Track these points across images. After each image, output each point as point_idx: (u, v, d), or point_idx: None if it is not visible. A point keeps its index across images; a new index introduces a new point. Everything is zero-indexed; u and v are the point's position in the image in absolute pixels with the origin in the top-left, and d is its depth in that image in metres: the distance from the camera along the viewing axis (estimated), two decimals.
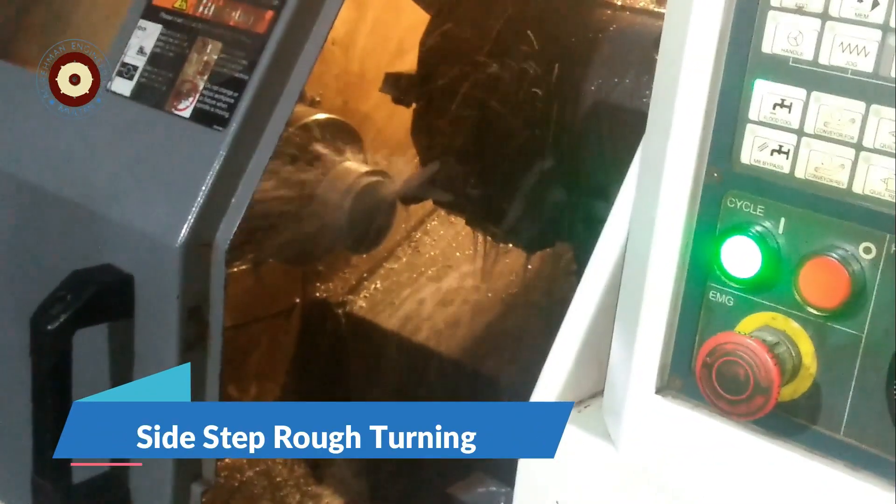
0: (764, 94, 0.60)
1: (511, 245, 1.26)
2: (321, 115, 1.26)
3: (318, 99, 1.37)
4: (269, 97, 0.98)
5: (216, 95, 0.98)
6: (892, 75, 0.56)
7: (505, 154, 1.16)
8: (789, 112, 0.59)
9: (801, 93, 0.59)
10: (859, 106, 0.57)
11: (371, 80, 1.35)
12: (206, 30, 1.03)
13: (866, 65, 0.56)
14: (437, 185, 1.23)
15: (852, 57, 0.57)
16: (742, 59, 0.60)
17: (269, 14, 0.98)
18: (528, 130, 1.14)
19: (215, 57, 1.01)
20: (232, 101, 0.97)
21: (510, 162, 1.16)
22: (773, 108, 0.60)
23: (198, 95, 0.99)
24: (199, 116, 0.98)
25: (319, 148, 1.24)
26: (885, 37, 0.56)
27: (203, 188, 0.94)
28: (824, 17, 0.57)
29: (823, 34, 0.58)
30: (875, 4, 0.56)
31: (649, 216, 0.64)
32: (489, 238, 1.26)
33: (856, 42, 0.57)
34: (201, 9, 1.04)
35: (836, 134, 0.58)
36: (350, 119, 1.31)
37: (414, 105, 1.23)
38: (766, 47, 0.60)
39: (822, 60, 0.58)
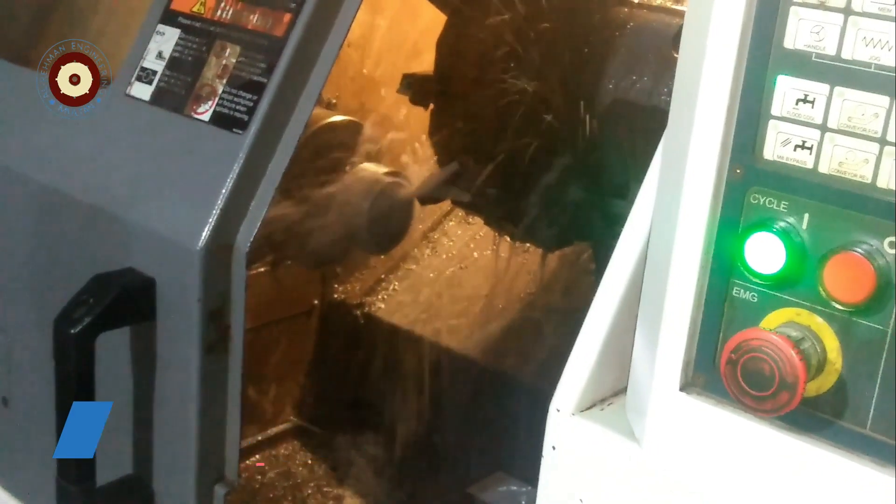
0: (787, 90, 0.60)
1: (529, 244, 1.26)
2: (338, 118, 1.27)
3: (334, 101, 1.38)
4: (287, 100, 0.98)
5: (235, 99, 0.99)
6: None
7: (522, 153, 1.16)
8: (812, 107, 0.59)
9: (824, 88, 0.59)
10: (883, 100, 0.57)
11: (387, 81, 1.36)
12: (225, 33, 1.03)
13: (890, 59, 0.56)
14: (455, 186, 1.23)
15: (875, 51, 0.57)
16: (764, 55, 0.60)
17: (287, 17, 0.99)
18: (545, 129, 1.14)
19: (234, 60, 1.01)
20: (251, 104, 0.98)
21: (528, 161, 1.16)
22: (796, 103, 0.60)
23: (217, 99, 1.00)
24: (219, 120, 0.99)
25: (337, 150, 1.24)
26: None
27: (223, 191, 0.95)
28: (847, 11, 0.57)
29: (846, 29, 0.58)
30: None
31: (672, 213, 0.64)
32: (507, 237, 1.26)
33: (879, 36, 0.57)
34: (219, 12, 1.05)
35: (859, 129, 0.57)
36: (367, 120, 1.31)
37: (431, 106, 1.23)
38: (789, 43, 0.59)
39: (846, 55, 0.58)
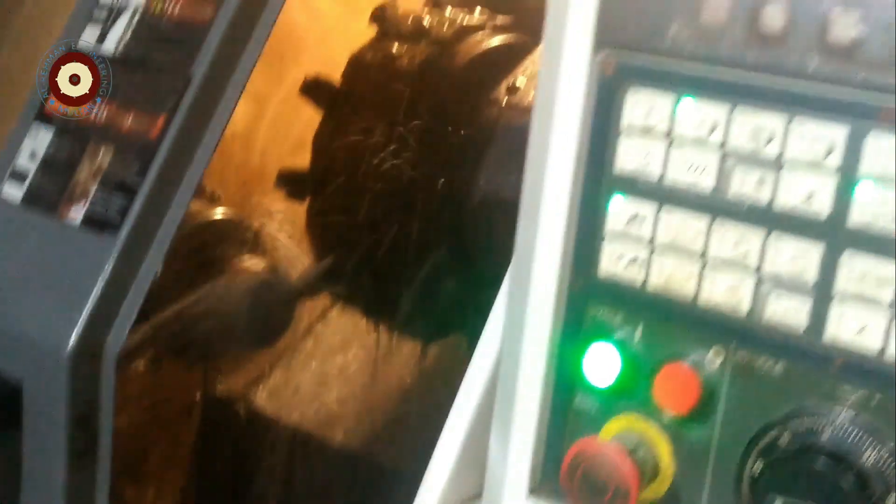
0: (619, 210, 0.64)
1: (407, 336, 1.28)
2: (219, 212, 1.28)
3: (218, 194, 1.39)
4: (161, 201, 0.99)
5: (108, 200, 0.99)
6: (732, 192, 0.60)
7: (398, 246, 1.19)
8: (641, 227, 0.63)
9: (651, 209, 0.63)
10: (703, 221, 0.61)
11: (271, 173, 1.38)
12: (99, 135, 1.04)
13: (708, 183, 0.61)
14: (333, 279, 1.25)
15: (695, 175, 0.61)
16: (598, 177, 0.64)
17: (162, 119, 1.00)
18: (420, 223, 1.18)
19: (107, 162, 1.02)
20: (123, 205, 0.98)
21: (403, 253, 1.19)
22: (628, 222, 0.64)
23: (89, 201, 1.00)
24: (91, 221, 0.99)
25: (217, 246, 1.25)
26: (723, 159, 0.60)
27: (93, 293, 0.95)
28: (669, 139, 0.62)
29: (669, 155, 0.62)
30: (713, 129, 0.61)
31: (519, 323, 0.68)
32: (385, 329, 1.28)
33: (698, 161, 0.61)
34: (94, 114, 1.06)
35: (683, 247, 0.62)
36: (251, 213, 1.33)
37: (308, 200, 1.26)
38: (619, 166, 0.64)
39: (669, 179, 0.62)
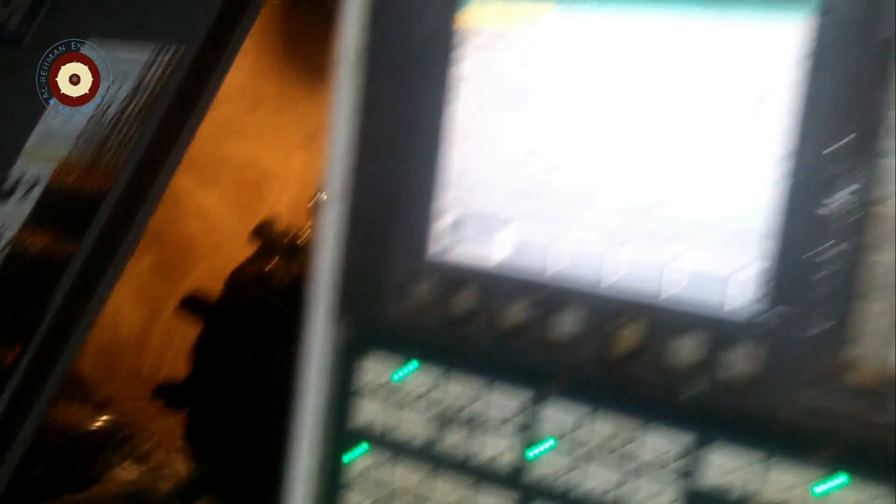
0: (357, 461, 0.70)
1: None
2: (101, 420, 1.34)
3: (109, 399, 1.45)
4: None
5: None
6: (446, 446, 0.67)
7: (275, 449, 1.24)
8: (378, 474, 0.69)
9: (385, 458, 0.69)
10: (426, 470, 0.67)
11: (164, 377, 1.44)
12: None
13: (427, 437, 0.68)
14: (210, 487, 1.30)
15: (418, 431, 0.68)
16: (339, 431, 0.71)
17: (17, 349, 1.07)
18: None
19: None
20: None
21: (280, 461, 1.23)
22: (363, 471, 0.70)
23: None
24: None
25: (98, 453, 1.30)
26: (439, 417, 0.67)
27: None
28: (396, 398, 0.69)
29: (398, 412, 0.69)
30: (431, 390, 0.67)
31: None
32: None
33: (420, 420, 0.68)
34: None
35: (413, 494, 0.68)
36: (135, 419, 1.38)
37: (186, 409, 1.31)
38: (356, 422, 0.70)
39: (398, 433, 0.69)
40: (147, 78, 0.99)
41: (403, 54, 0.64)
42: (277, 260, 1.35)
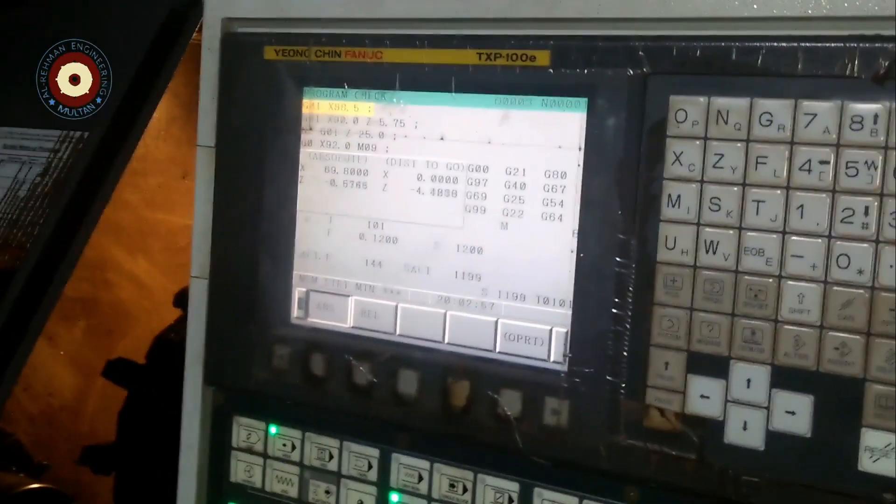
0: None
1: None
2: (35, 486, 1.37)
3: (45, 463, 1.48)
4: None
5: None
6: (311, 500, 0.72)
7: None
8: None
9: None
10: None
11: (101, 440, 1.48)
12: None
13: (294, 492, 0.73)
14: None
15: (285, 486, 0.74)
16: (218, 486, 0.77)
17: None
18: None
19: None
20: None
21: None
22: None
23: None
24: None
25: None
26: (302, 473, 0.73)
27: None
28: (265, 455, 0.75)
29: (266, 469, 0.75)
30: (293, 448, 0.73)
31: None
32: None
33: (285, 475, 0.74)
34: None
35: None
36: (78, 481, 1.41)
37: (113, 474, 1.36)
38: (232, 477, 0.76)
39: (268, 488, 0.74)
40: (54, 162, 1.05)
41: (251, 143, 0.71)
42: None
